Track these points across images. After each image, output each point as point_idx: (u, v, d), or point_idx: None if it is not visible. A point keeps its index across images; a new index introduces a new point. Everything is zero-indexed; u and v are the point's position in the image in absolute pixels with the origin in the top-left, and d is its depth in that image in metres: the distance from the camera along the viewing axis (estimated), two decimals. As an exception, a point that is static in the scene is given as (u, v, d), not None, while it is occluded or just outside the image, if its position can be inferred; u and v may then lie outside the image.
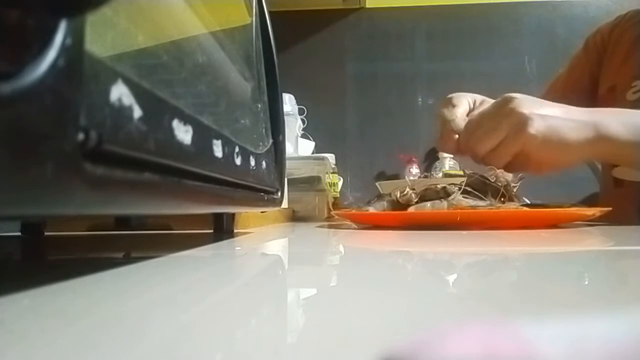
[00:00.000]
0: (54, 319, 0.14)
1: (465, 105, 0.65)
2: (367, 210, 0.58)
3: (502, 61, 1.54)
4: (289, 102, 1.15)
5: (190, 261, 0.28)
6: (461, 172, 0.57)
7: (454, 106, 0.64)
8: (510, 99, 0.56)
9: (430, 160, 1.54)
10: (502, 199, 0.52)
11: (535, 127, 0.54)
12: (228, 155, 0.27)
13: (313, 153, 1.23)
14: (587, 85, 0.84)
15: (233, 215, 0.50)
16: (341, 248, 0.38)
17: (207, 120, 0.24)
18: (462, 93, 0.68)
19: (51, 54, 0.12)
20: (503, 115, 0.56)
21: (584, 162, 0.73)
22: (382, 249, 0.37)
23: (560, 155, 0.57)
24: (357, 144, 1.60)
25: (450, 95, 0.67)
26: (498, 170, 0.56)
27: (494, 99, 0.61)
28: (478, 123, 0.58)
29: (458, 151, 0.61)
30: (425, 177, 0.62)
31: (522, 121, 0.55)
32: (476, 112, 0.62)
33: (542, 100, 0.58)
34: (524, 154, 0.56)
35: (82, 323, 0.13)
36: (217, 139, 0.25)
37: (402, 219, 0.53)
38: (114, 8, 0.16)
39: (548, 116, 0.55)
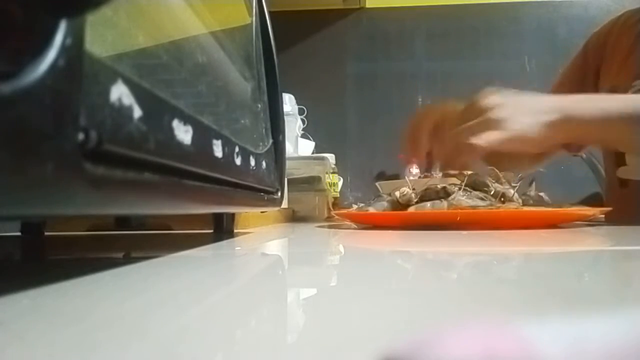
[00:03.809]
0: (54, 319, 0.14)
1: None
2: (367, 210, 0.58)
3: (502, 61, 1.54)
4: (289, 102, 1.15)
5: (190, 261, 0.28)
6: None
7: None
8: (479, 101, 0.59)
9: (430, 160, 1.54)
10: (502, 199, 0.52)
11: (482, 140, 0.56)
12: (228, 155, 0.27)
13: (313, 153, 1.23)
14: (579, 86, 0.83)
15: (233, 215, 0.50)
16: (341, 248, 0.38)
17: (207, 120, 0.24)
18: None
19: (51, 54, 0.12)
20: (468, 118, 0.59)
21: (557, 147, 0.76)
22: (382, 249, 0.37)
23: (528, 147, 0.59)
24: (357, 144, 1.60)
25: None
26: (499, 172, 0.56)
27: None
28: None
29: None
30: (425, 177, 0.62)
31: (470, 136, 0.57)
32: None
33: (511, 98, 0.60)
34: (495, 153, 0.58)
35: (82, 323, 0.13)
36: (217, 139, 0.25)
37: (402, 219, 0.53)
38: (114, 8, 0.16)
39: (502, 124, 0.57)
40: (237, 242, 0.40)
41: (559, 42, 1.50)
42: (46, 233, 0.50)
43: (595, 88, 0.82)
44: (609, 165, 0.85)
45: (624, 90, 0.74)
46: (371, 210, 0.57)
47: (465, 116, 0.60)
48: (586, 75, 0.85)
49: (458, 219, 0.48)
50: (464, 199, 0.51)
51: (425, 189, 0.54)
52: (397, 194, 0.55)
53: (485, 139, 0.57)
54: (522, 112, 0.58)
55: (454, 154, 0.60)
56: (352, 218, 0.62)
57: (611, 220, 0.64)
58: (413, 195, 0.54)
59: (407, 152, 0.72)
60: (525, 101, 0.60)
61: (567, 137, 0.64)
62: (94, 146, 0.14)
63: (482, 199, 0.52)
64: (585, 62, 0.86)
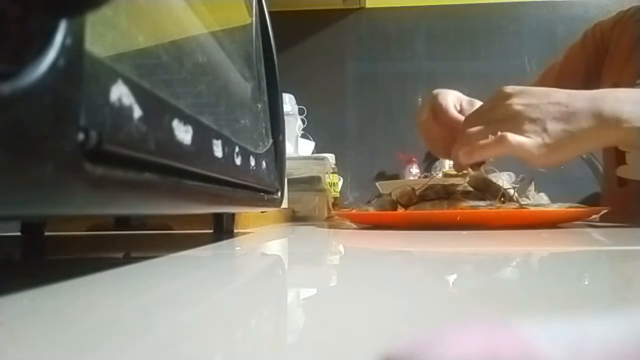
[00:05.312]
0: (54, 319, 0.14)
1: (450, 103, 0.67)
2: (367, 210, 0.58)
3: (502, 61, 1.54)
4: (289, 102, 1.15)
5: (190, 261, 0.28)
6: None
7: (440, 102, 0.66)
8: (505, 95, 0.54)
9: (430, 160, 1.54)
10: (502, 199, 0.51)
11: (516, 140, 0.51)
12: (228, 155, 0.27)
13: (313, 153, 1.23)
14: (582, 78, 0.83)
15: (233, 215, 0.50)
16: (341, 248, 0.38)
17: (207, 120, 0.24)
18: (447, 90, 0.69)
19: (51, 54, 0.12)
20: (494, 112, 0.54)
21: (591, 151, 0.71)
22: (382, 249, 0.37)
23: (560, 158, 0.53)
24: (357, 144, 1.60)
25: (435, 91, 0.69)
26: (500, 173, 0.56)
27: None
28: (472, 118, 0.57)
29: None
30: (425, 177, 0.62)
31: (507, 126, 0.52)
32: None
33: (538, 93, 0.54)
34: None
35: (82, 323, 0.13)
36: (217, 139, 0.25)
37: (402, 219, 0.53)
38: (114, 8, 0.16)
39: (540, 120, 0.51)
40: (237, 242, 0.40)
41: (559, 42, 1.50)
42: (46, 233, 0.50)
43: (590, 78, 0.82)
44: (608, 164, 0.84)
45: (626, 87, 0.73)
46: (371, 210, 0.57)
47: (489, 108, 0.55)
48: (584, 64, 0.84)
49: (458, 219, 0.48)
50: (464, 199, 0.51)
51: (425, 189, 0.54)
52: (397, 194, 0.55)
53: (519, 141, 0.51)
54: (553, 116, 0.52)
55: (476, 146, 0.54)
56: (352, 218, 0.63)
57: (607, 219, 0.64)
58: (413, 195, 0.54)
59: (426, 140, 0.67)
60: (554, 100, 0.53)
61: (606, 143, 0.59)
62: (94, 146, 0.14)
63: (482, 198, 0.52)
64: (584, 50, 0.85)
